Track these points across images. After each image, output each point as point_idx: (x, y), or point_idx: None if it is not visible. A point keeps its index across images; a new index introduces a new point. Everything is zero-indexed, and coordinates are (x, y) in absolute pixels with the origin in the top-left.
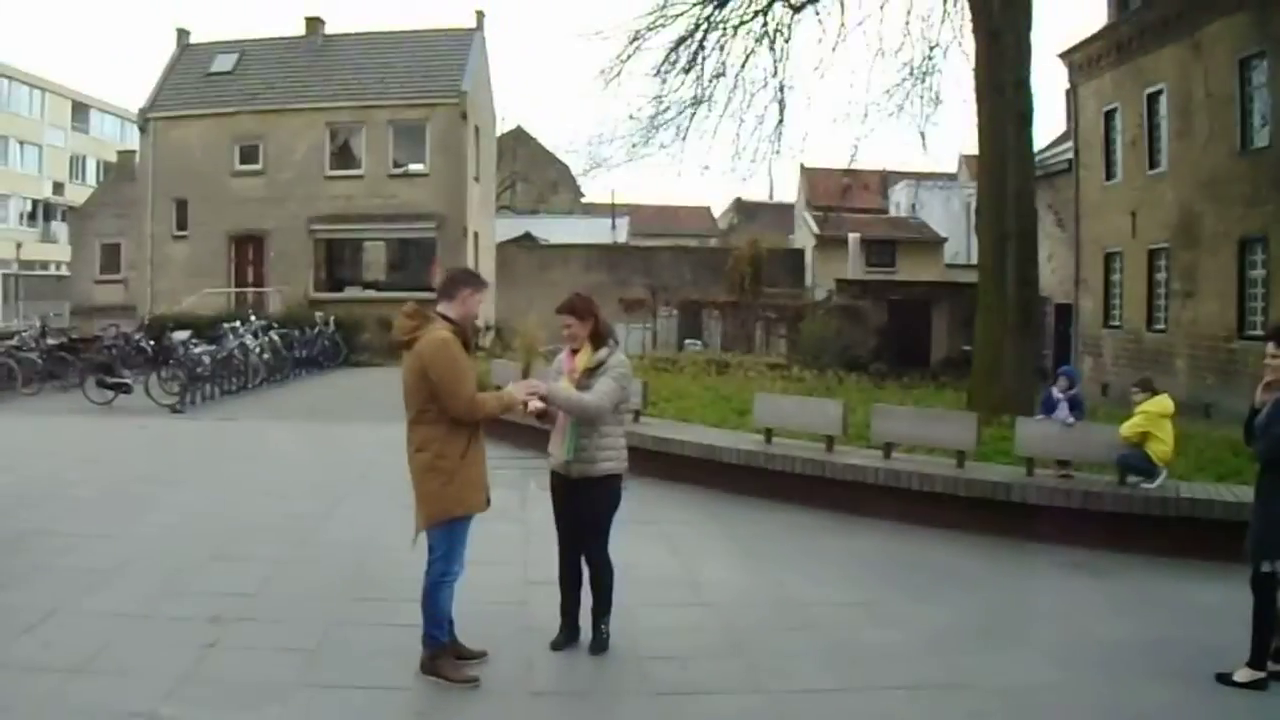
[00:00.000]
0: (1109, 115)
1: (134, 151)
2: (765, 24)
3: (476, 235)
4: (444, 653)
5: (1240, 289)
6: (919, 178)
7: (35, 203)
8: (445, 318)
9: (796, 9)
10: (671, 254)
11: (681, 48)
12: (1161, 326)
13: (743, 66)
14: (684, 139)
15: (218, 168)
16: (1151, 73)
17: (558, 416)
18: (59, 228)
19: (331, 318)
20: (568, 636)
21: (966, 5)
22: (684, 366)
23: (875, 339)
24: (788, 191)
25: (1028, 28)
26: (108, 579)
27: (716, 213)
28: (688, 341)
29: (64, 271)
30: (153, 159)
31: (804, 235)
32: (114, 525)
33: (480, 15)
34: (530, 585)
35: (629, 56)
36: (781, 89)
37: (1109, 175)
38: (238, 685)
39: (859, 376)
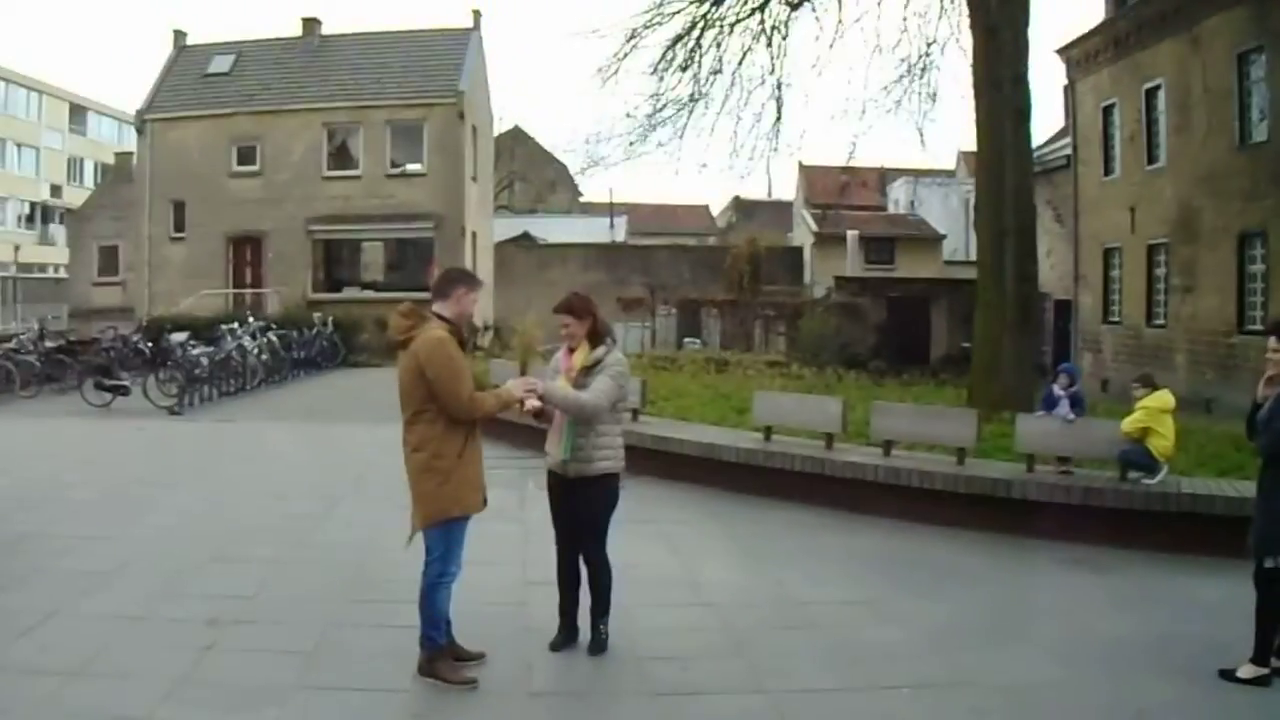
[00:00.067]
0: (1107, 110)
1: (131, 153)
2: (762, 21)
3: (474, 235)
4: (442, 654)
5: (1240, 284)
6: (917, 174)
7: (33, 205)
8: (441, 317)
9: (794, 6)
10: (670, 253)
11: (678, 45)
12: (1161, 322)
13: (740, 64)
14: (681, 137)
15: (215, 169)
16: (1149, 68)
17: (554, 415)
18: (57, 230)
19: (330, 318)
20: (566, 637)
21: (964, 1)
22: (683, 365)
23: (874, 336)
24: (786, 189)
25: (1025, 23)
26: (106, 581)
27: (715, 211)
28: (686, 340)
29: (62, 274)
30: (150, 160)
31: (802, 233)
32: (112, 527)
33: (477, 15)
34: (528, 586)
35: (626, 55)
36: (779, 86)
37: (1107, 171)
38: (236, 687)
39: (858, 374)
